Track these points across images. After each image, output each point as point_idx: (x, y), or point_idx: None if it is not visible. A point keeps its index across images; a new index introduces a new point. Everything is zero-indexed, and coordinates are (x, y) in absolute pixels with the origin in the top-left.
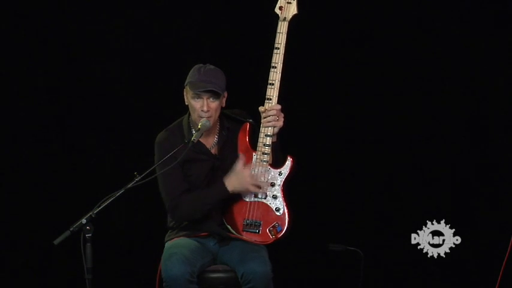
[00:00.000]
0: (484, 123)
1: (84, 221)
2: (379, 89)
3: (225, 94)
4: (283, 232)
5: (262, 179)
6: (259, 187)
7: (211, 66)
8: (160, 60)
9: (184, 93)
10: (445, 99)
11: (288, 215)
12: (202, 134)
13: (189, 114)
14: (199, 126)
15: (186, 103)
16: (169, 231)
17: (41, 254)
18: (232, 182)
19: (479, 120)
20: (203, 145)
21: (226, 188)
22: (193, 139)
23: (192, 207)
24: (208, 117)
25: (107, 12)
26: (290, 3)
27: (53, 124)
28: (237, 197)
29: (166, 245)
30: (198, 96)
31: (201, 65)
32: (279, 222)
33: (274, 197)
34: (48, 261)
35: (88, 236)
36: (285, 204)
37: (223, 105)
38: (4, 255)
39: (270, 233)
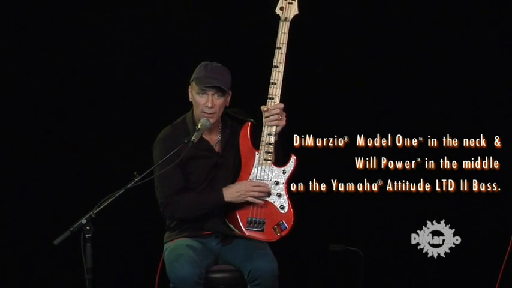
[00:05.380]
0: (484, 122)
1: (84, 221)
2: (380, 88)
3: (230, 93)
4: (288, 230)
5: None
6: (262, 191)
7: (218, 64)
8: (161, 60)
9: (190, 90)
10: (445, 98)
11: (292, 213)
12: (202, 134)
13: (193, 111)
14: (199, 126)
15: (191, 99)
16: (169, 232)
17: (41, 254)
18: (231, 193)
19: (479, 120)
20: (207, 142)
21: (223, 197)
22: (193, 139)
23: (186, 208)
24: (212, 113)
25: (108, 12)
26: (291, 3)
27: (53, 123)
28: None
29: (168, 246)
30: (203, 92)
31: (208, 62)
32: (284, 220)
33: (279, 195)
34: (48, 261)
35: (88, 236)
36: (289, 202)
37: (228, 104)
38: (4, 255)
39: (275, 231)
